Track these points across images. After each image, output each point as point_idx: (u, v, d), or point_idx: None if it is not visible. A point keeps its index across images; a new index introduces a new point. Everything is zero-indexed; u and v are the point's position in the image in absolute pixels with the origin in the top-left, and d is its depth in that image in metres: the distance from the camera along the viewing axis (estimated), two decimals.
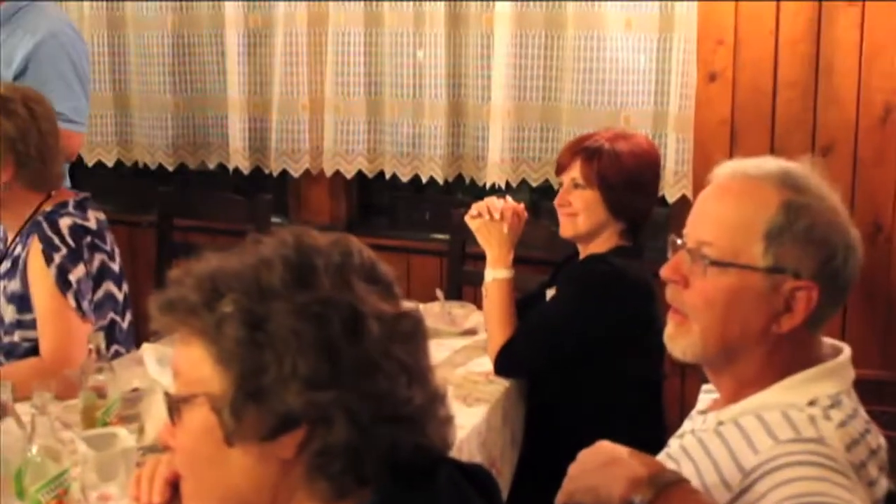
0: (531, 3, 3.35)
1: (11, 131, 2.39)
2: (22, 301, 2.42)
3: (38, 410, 1.70)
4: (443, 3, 3.41)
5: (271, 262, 1.08)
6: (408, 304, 1.14)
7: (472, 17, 3.44)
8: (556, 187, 3.42)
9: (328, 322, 1.05)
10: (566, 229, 2.58)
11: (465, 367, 2.58)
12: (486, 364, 2.55)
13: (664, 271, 1.47)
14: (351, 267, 1.10)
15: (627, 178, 2.51)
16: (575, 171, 2.54)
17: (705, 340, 1.42)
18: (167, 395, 1.13)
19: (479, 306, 2.79)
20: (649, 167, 2.58)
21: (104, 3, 3.89)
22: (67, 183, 3.23)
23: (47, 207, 2.46)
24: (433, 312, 2.84)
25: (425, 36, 3.47)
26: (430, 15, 3.44)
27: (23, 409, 1.81)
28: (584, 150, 2.53)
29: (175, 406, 1.12)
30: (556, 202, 2.59)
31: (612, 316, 2.46)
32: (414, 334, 1.12)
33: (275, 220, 3.61)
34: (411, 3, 3.47)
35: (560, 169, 2.59)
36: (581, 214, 2.53)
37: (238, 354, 1.06)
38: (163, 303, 1.11)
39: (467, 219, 2.69)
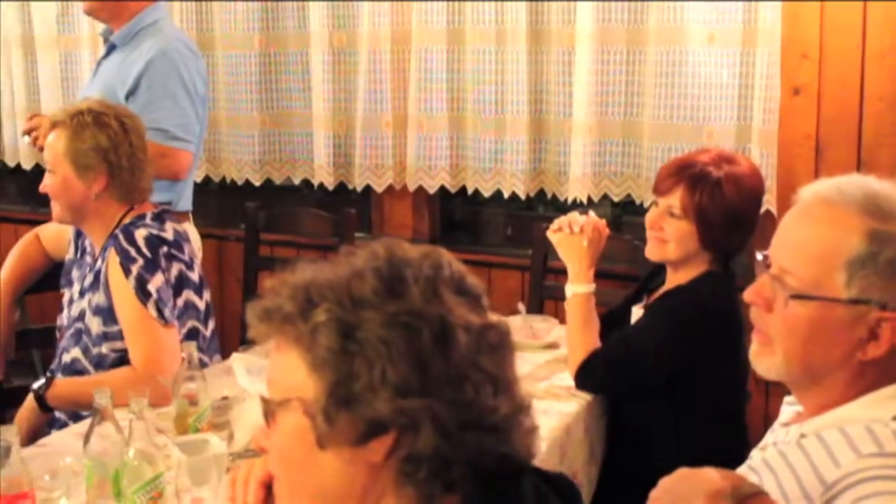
0: (613, 20, 3.35)
1: (104, 142, 2.48)
2: (107, 313, 2.49)
3: (135, 416, 1.77)
4: (525, 20, 3.44)
5: (363, 274, 1.12)
6: (495, 316, 1.17)
7: (553, 34, 3.46)
8: (637, 201, 3.43)
9: (418, 332, 1.08)
10: (653, 253, 2.53)
11: (548, 381, 2.59)
12: (568, 378, 2.56)
13: (747, 295, 1.47)
14: (441, 279, 1.13)
15: (727, 215, 2.42)
16: (674, 199, 2.44)
17: (788, 363, 1.42)
18: (263, 398, 1.17)
19: (562, 320, 2.80)
20: (752, 202, 2.49)
21: (194, 24, 4.00)
22: (188, 205, 3.28)
23: (126, 220, 2.54)
24: (515, 326, 2.85)
25: (507, 53, 3.50)
26: (512, 32, 3.47)
27: (119, 416, 1.88)
28: (688, 179, 2.43)
29: (270, 410, 1.16)
30: (647, 223, 2.53)
31: (697, 352, 2.43)
32: (500, 345, 1.15)
33: (358, 235, 3.67)
34: (493, 20, 3.51)
35: (659, 191, 2.50)
36: (672, 243, 2.47)
37: (330, 362, 1.10)
38: (259, 311, 1.15)
39: (548, 233, 2.70)
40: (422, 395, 1.08)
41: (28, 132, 3.07)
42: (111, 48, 3.21)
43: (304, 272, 1.15)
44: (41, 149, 2.67)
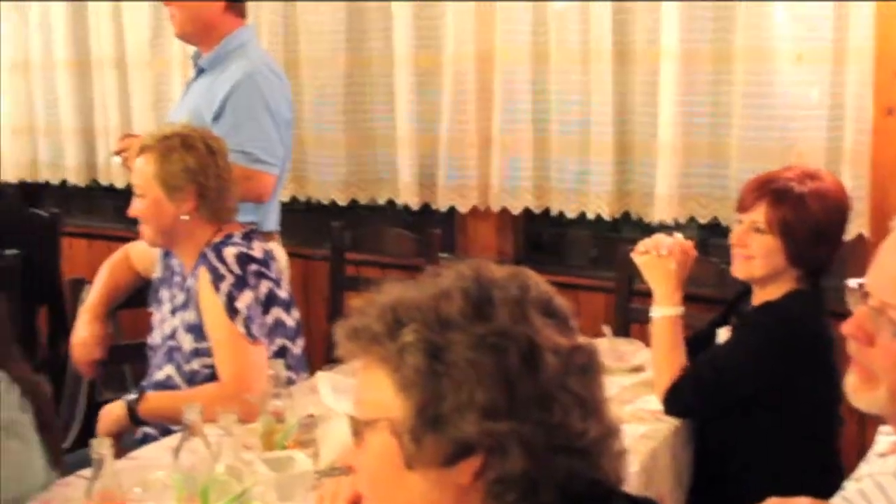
0: (698, 39, 3.32)
1: (193, 164, 2.54)
2: (198, 330, 2.53)
3: (224, 432, 1.80)
4: (609, 39, 3.43)
5: (451, 294, 1.13)
6: (583, 338, 1.16)
7: (638, 54, 3.44)
8: (724, 223, 3.38)
9: (505, 353, 1.08)
10: (739, 271, 2.50)
11: (634, 405, 2.55)
12: (654, 402, 2.52)
13: (846, 328, 1.39)
14: (528, 300, 1.13)
15: (812, 229, 2.40)
16: (758, 214, 2.43)
17: (893, 399, 1.35)
18: (351, 418, 1.18)
19: (647, 343, 2.77)
20: (837, 217, 2.46)
21: (280, 45, 4.06)
22: (273, 225, 3.32)
23: (216, 239, 2.58)
24: (601, 349, 2.82)
25: (591, 73, 3.48)
26: (597, 52, 3.46)
27: (207, 432, 1.90)
28: (772, 193, 2.42)
29: (358, 429, 1.17)
30: (731, 241, 2.51)
31: (787, 370, 2.38)
32: (589, 367, 1.14)
33: (442, 255, 3.68)
34: (578, 40, 3.50)
35: (742, 208, 2.49)
36: (758, 259, 2.45)
37: (418, 382, 1.10)
38: (348, 331, 1.17)
39: (634, 255, 2.67)
40: (509, 416, 1.08)
41: (119, 152, 3.14)
42: (200, 71, 3.28)
43: (392, 292, 1.16)
44: (131, 169, 2.73)
